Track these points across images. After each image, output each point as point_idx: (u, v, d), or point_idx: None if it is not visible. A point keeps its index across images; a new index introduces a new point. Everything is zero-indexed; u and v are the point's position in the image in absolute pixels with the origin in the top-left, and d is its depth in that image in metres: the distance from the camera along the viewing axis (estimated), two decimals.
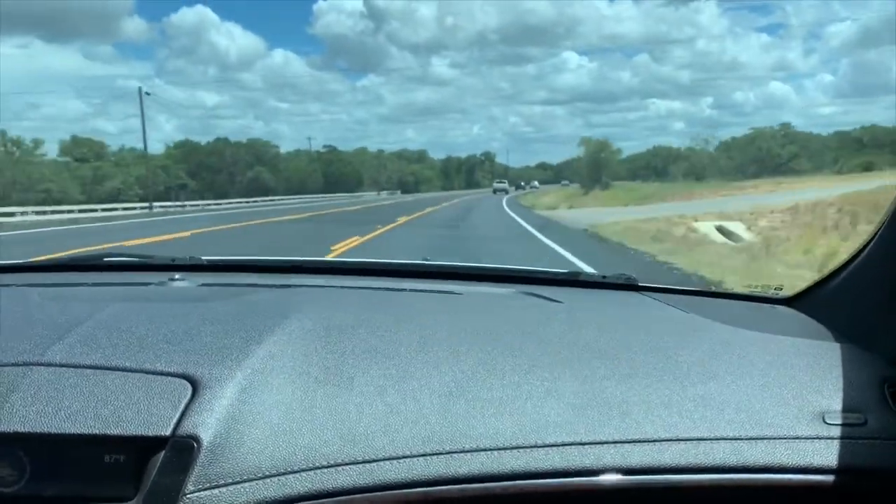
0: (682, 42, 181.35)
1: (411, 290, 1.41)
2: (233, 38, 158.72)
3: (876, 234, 1.05)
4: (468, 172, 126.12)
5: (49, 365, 0.86)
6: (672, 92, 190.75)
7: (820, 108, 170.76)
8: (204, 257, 1.63)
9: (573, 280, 1.59)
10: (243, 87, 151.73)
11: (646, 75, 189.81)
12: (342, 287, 1.42)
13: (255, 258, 1.77)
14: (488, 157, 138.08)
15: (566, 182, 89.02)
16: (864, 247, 1.09)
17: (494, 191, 68.78)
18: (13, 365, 0.86)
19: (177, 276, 1.40)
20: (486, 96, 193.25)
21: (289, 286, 1.39)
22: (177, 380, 0.85)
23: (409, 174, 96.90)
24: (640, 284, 1.51)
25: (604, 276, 1.57)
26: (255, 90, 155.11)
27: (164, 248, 11.06)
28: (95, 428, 0.78)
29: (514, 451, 0.83)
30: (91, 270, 1.60)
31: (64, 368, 0.86)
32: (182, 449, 0.78)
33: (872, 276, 1.07)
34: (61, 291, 1.34)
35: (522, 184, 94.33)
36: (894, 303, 1.01)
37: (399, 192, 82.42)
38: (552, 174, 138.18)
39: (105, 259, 1.63)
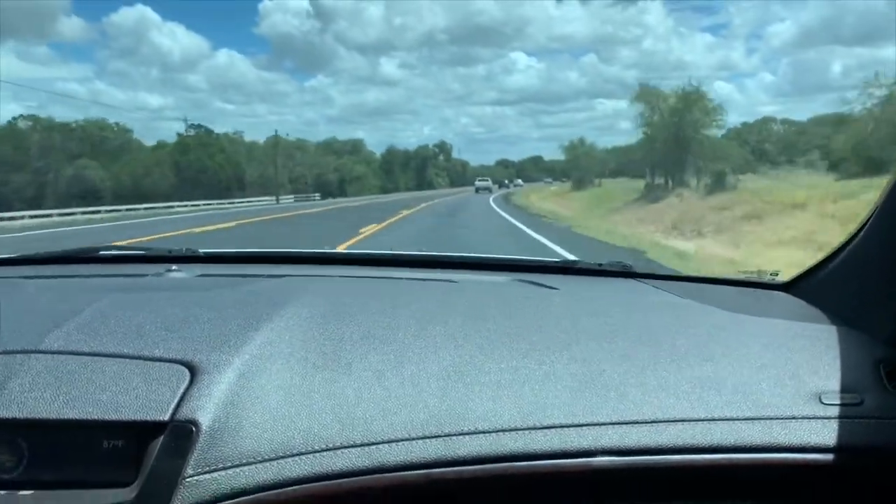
0: (628, 42, 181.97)
1: (408, 279, 1.41)
2: (175, 39, 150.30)
3: (870, 217, 1.05)
4: (418, 169, 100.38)
5: (47, 352, 0.87)
6: (619, 92, 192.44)
7: (762, 108, 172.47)
8: (201, 249, 1.63)
9: (569, 268, 1.58)
10: (188, 88, 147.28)
11: (593, 76, 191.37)
12: (340, 276, 1.43)
13: (252, 250, 1.77)
14: (443, 148, 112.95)
15: (549, 180, 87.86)
16: (859, 230, 1.09)
17: (477, 189, 62.21)
18: (11, 353, 0.86)
19: (174, 268, 1.39)
20: (437, 97, 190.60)
21: (287, 276, 1.38)
22: (175, 366, 0.85)
23: (334, 171, 69.28)
24: (635, 272, 1.50)
25: (599, 264, 1.56)
26: (199, 91, 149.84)
27: None
28: (94, 414, 0.79)
29: (513, 432, 0.83)
30: (87, 263, 1.60)
31: (62, 356, 0.86)
32: (181, 434, 0.78)
33: (867, 259, 1.07)
34: (58, 283, 1.34)
35: (506, 181, 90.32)
36: (889, 285, 1.02)
37: (318, 195, 57.60)
38: (514, 172, 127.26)
39: (101, 252, 1.63)
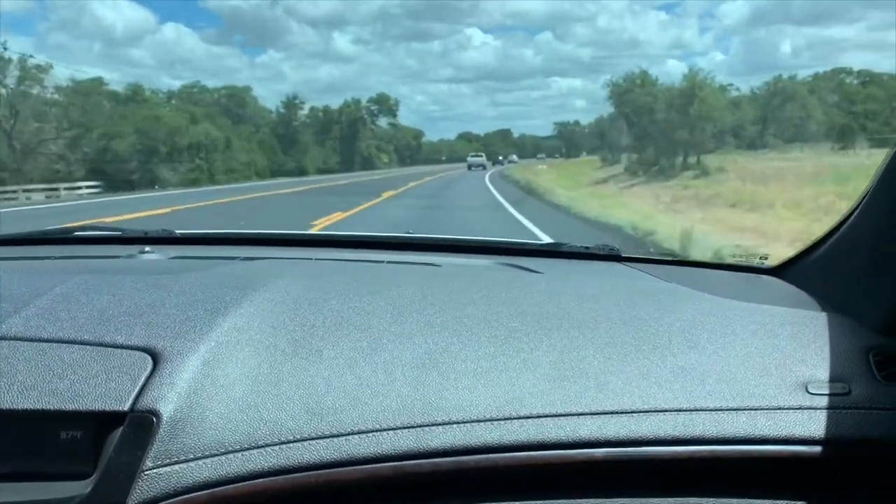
0: (583, 19, 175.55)
1: (389, 262, 1.38)
2: (119, 11, 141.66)
3: (861, 201, 1.03)
4: (346, 140, 64.43)
5: (4, 339, 0.84)
6: (573, 70, 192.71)
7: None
8: (177, 231, 1.59)
9: (554, 251, 1.56)
10: (133, 63, 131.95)
11: (548, 53, 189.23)
12: (318, 259, 1.40)
13: (229, 231, 1.72)
14: (385, 105, 73.44)
15: (542, 155, 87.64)
16: (850, 214, 1.06)
17: (469, 166, 54.52)
18: None
19: (147, 249, 1.37)
20: (392, 74, 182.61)
21: (263, 258, 1.36)
22: (137, 353, 0.82)
23: (138, 146, 31.88)
24: (622, 255, 1.48)
25: (586, 248, 1.54)
26: (145, 67, 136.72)
27: None
28: (51, 403, 0.76)
29: (488, 423, 0.81)
30: (60, 244, 1.56)
31: (19, 342, 0.83)
32: (140, 424, 0.76)
33: (857, 243, 1.05)
34: (25, 264, 1.30)
35: (501, 158, 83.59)
36: (879, 271, 0.99)
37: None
38: (479, 146, 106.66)
39: (75, 233, 1.59)
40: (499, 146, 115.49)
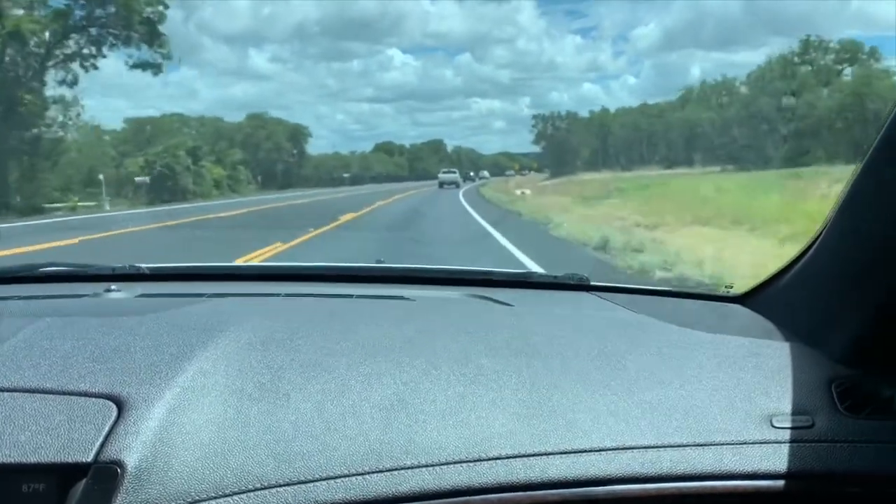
0: (503, 41, 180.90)
1: (359, 297, 1.36)
2: None
3: (823, 229, 1.04)
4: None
5: None
6: (492, 91, 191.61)
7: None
8: (145, 266, 1.57)
9: (525, 281, 1.57)
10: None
11: (468, 74, 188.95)
12: (288, 295, 1.38)
13: (198, 265, 1.70)
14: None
15: (485, 173, 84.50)
16: (813, 242, 1.07)
17: (441, 184, 48.95)
18: None
19: (113, 287, 1.35)
20: (312, 93, 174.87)
21: (233, 295, 1.34)
22: (101, 401, 0.81)
23: None
24: (591, 284, 1.49)
25: (555, 277, 1.55)
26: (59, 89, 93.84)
27: None
28: (12, 456, 0.75)
29: (457, 465, 0.81)
30: (25, 282, 1.55)
31: None
32: (104, 475, 0.74)
33: (820, 272, 1.06)
34: None
35: (472, 174, 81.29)
36: (840, 300, 1.01)
37: None
38: (403, 160, 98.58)
39: (40, 270, 1.56)
40: (429, 161, 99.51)
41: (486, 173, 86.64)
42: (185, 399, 0.83)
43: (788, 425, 0.89)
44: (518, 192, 30.52)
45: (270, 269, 1.69)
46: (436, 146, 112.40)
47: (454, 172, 54.64)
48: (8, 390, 0.82)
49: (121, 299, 1.30)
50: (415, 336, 1.04)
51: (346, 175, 71.29)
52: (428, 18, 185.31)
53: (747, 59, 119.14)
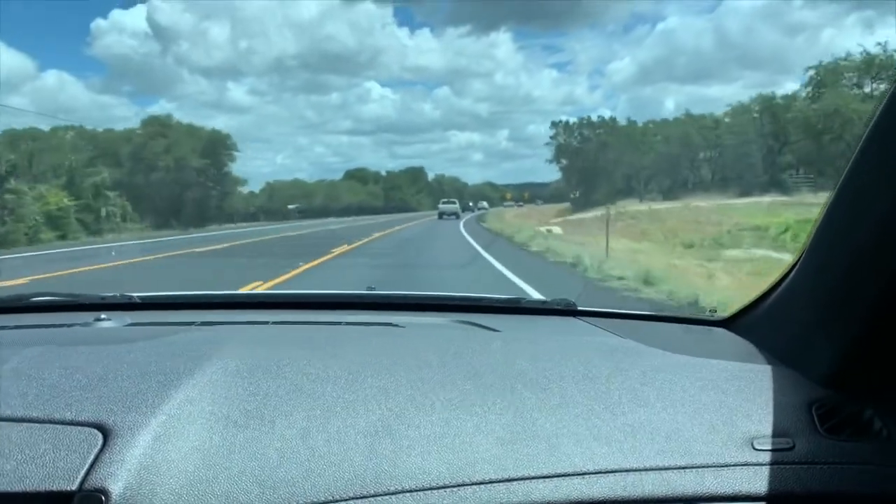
0: (481, 75, 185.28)
1: (348, 324, 1.37)
2: None
3: (802, 253, 1.06)
4: None
5: None
6: (471, 124, 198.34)
7: None
8: (135, 294, 1.57)
9: (513, 307, 1.58)
10: (10, 113, 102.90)
11: (447, 108, 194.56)
12: (277, 323, 1.38)
13: (188, 294, 1.69)
14: None
15: (510, 203, 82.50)
16: (793, 266, 1.09)
17: (440, 214, 49.61)
18: None
19: (103, 316, 1.35)
20: (291, 125, 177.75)
21: (220, 323, 1.34)
22: (86, 429, 0.81)
23: None
24: (579, 309, 1.50)
25: (544, 302, 1.57)
26: (25, 116, 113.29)
27: None
28: None
29: (441, 490, 0.81)
30: (15, 312, 1.54)
31: None
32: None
33: (800, 295, 1.08)
34: None
35: (471, 204, 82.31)
36: (820, 323, 1.02)
37: None
38: (379, 189, 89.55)
39: (31, 300, 1.57)
40: (408, 191, 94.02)
41: (484, 204, 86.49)
42: (171, 427, 0.83)
43: (769, 447, 0.90)
44: (542, 228, 22.99)
45: (261, 297, 1.71)
46: (415, 174, 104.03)
47: (454, 203, 55.13)
48: None
49: (110, 328, 1.30)
50: (400, 362, 1.04)
51: (291, 207, 56.35)
52: (406, 52, 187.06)
53: (721, 93, 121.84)
